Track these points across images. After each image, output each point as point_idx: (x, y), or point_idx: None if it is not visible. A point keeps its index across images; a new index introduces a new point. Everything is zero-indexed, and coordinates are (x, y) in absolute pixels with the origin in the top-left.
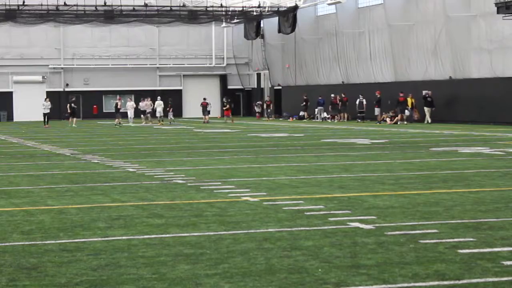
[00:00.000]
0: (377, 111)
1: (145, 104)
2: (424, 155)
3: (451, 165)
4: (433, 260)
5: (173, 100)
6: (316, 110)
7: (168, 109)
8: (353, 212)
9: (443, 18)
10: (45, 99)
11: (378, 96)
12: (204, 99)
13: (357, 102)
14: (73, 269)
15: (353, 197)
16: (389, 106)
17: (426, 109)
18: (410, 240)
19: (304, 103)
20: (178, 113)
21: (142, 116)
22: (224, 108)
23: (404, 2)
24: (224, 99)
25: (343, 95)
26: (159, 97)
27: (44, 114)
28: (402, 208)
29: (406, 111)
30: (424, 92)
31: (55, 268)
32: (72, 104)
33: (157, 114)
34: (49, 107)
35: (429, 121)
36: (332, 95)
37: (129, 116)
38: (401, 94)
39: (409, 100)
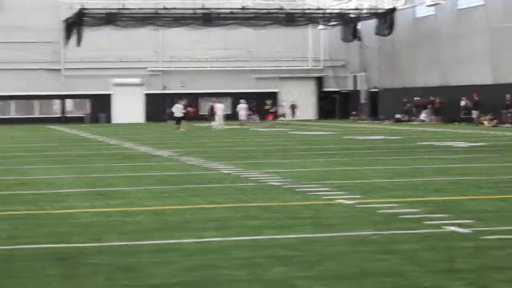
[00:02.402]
0: (475, 113)
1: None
2: None
3: None
4: None
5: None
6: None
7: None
8: (449, 215)
9: None
10: (179, 101)
11: (476, 98)
12: (292, 101)
13: (462, 105)
14: (168, 270)
15: (449, 200)
16: (487, 109)
17: None
18: (508, 244)
19: (406, 106)
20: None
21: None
22: (269, 111)
23: (505, 3)
24: (267, 101)
25: (432, 98)
26: (242, 100)
27: (176, 118)
28: (499, 212)
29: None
30: None
31: (151, 269)
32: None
33: (240, 117)
34: (183, 110)
35: None
36: (432, 97)
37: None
38: (508, 97)
39: None
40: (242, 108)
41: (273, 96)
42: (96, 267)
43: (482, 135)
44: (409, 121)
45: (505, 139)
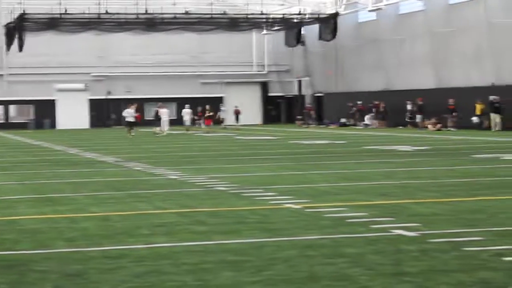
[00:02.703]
0: (419, 117)
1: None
2: (467, 162)
3: (495, 171)
4: (478, 268)
5: (212, 108)
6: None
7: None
8: (396, 219)
9: (485, 24)
10: (130, 106)
11: (420, 103)
12: (236, 106)
13: (408, 109)
14: (117, 276)
15: (395, 204)
16: (431, 113)
17: (493, 115)
18: (454, 247)
19: (352, 110)
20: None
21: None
22: (205, 116)
23: (444, 9)
24: (207, 107)
25: (376, 102)
26: (187, 105)
27: (128, 122)
28: (445, 215)
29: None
30: (491, 97)
31: (99, 275)
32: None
33: (185, 123)
34: (134, 114)
35: (497, 128)
36: (375, 101)
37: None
38: (451, 101)
39: (478, 107)
40: (187, 113)
41: (218, 101)
42: (44, 274)
43: (427, 139)
44: (354, 125)
45: (449, 142)
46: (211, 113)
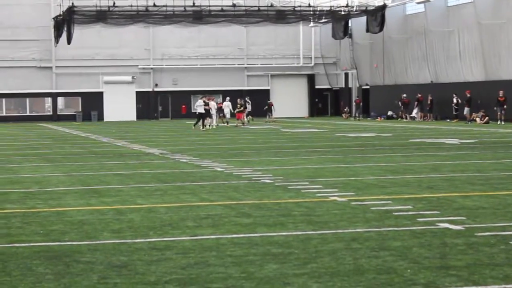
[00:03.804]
0: (466, 110)
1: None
2: None
3: None
4: None
5: (253, 100)
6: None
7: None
8: (442, 212)
9: None
10: (201, 97)
11: (468, 95)
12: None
13: (454, 101)
14: (163, 268)
15: (442, 197)
16: (480, 106)
17: None
18: (501, 241)
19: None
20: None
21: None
22: (236, 110)
23: (494, 0)
24: (238, 100)
25: (419, 95)
26: (227, 98)
27: (199, 114)
28: (492, 209)
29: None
30: None
31: (145, 266)
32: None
33: (225, 115)
34: (201, 105)
35: None
36: (419, 94)
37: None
38: (501, 93)
39: None
40: (226, 106)
41: (264, 94)
42: (89, 265)
43: (474, 132)
44: (401, 118)
45: (497, 135)
46: (242, 107)
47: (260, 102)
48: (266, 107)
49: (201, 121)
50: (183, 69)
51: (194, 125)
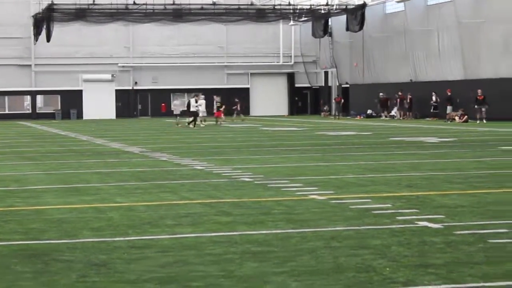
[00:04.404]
0: (449, 109)
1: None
2: (494, 154)
3: None
4: (504, 260)
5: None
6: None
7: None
8: (421, 211)
9: None
10: (192, 96)
11: (449, 94)
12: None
13: (433, 100)
14: (142, 266)
15: (421, 196)
16: (458, 105)
17: None
18: (479, 239)
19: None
20: (245, 111)
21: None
22: (216, 109)
23: None
24: (216, 98)
25: (400, 93)
26: (201, 96)
27: (193, 112)
28: (471, 207)
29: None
30: None
31: (124, 265)
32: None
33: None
34: (196, 104)
35: None
36: (400, 92)
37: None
38: (479, 92)
39: None
40: (202, 104)
41: (244, 92)
42: (69, 263)
43: (453, 131)
44: (380, 116)
45: (476, 134)
46: (220, 105)
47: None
48: (235, 106)
49: (191, 118)
50: (162, 67)
51: (193, 124)
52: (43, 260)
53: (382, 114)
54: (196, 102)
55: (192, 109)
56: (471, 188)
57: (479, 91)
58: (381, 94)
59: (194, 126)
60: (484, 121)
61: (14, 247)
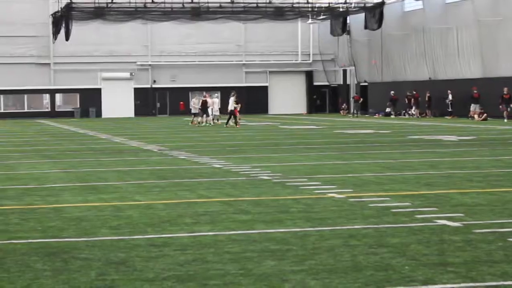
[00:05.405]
0: (473, 107)
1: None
2: None
3: None
4: None
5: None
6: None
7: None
8: (440, 209)
9: None
10: (232, 94)
11: (475, 91)
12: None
13: (450, 98)
14: (161, 264)
15: (440, 194)
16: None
17: None
18: (499, 238)
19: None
20: (264, 109)
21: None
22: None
23: None
24: (214, 94)
25: (414, 92)
26: (215, 94)
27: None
28: (490, 206)
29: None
30: None
31: (143, 263)
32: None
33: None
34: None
35: None
36: (414, 91)
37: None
38: (505, 90)
39: None
40: (215, 103)
41: (262, 90)
42: (87, 261)
43: (472, 129)
44: (399, 114)
45: (496, 132)
46: (236, 103)
47: (260, 99)
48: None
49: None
50: (181, 65)
51: (234, 123)
52: (62, 258)
53: (392, 113)
54: (235, 101)
55: (229, 107)
56: (490, 187)
57: (505, 89)
58: (392, 92)
59: (237, 125)
60: (505, 120)
61: (34, 245)
